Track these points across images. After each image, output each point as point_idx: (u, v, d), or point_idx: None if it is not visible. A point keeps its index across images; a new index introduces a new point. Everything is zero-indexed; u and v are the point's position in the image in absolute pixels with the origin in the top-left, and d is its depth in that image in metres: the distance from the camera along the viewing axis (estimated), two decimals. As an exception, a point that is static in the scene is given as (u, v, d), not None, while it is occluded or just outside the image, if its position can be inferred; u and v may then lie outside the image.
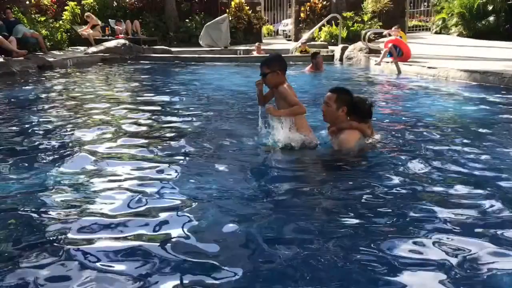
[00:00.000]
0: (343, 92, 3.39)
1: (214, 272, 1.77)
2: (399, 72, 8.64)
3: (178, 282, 1.71)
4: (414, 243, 1.99)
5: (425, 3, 19.88)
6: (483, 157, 3.23)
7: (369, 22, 15.44)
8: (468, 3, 14.04)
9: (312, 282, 1.71)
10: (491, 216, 2.26)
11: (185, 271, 1.79)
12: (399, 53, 9.07)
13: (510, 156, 3.29)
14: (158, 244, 2.00)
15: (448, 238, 2.02)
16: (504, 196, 2.49)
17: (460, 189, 2.63)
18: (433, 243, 1.97)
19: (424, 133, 3.97)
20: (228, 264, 1.83)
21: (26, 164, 3.14)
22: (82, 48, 13.35)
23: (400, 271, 1.77)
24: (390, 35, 10.52)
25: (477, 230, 2.10)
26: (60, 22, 14.47)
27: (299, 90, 6.12)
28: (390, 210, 2.36)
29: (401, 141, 3.62)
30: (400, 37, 10.07)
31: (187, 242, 2.04)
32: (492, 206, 2.37)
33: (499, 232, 2.07)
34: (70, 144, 3.68)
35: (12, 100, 6.12)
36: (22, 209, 2.40)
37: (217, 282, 1.71)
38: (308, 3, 16.43)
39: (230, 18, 15.45)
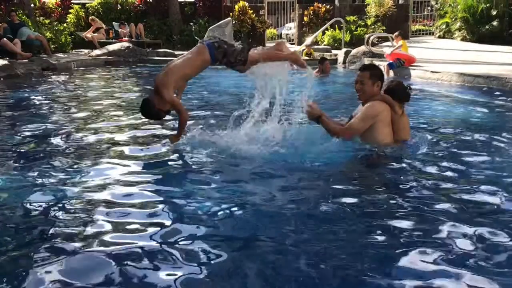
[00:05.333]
0: (374, 67, 3.54)
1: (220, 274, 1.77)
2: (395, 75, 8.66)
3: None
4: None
5: (429, 8, 19.86)
6: (488, 160, 3.22)
7: (373, 26, 15.43)
8: (471, 7, 14.01)
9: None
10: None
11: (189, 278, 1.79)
12: (401, 64, 8.97)
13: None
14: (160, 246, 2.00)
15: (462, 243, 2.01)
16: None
17: (467, 194, 2.62)
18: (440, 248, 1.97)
19: (426, 136, 3.95)
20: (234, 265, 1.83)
21: (28, 165, 3.15)
22: (86, 50, 13.39)
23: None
24: (393, 38, 10.47)
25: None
26: (65, 25, 14.53)
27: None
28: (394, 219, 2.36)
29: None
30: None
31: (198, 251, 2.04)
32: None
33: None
34: (73, 146, 3.69)
35: (16, 102, 6.15)
36: (22, 208, 2.41)
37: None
38: (312, 7, 16.44)
39: (234, 22, 15.47)
